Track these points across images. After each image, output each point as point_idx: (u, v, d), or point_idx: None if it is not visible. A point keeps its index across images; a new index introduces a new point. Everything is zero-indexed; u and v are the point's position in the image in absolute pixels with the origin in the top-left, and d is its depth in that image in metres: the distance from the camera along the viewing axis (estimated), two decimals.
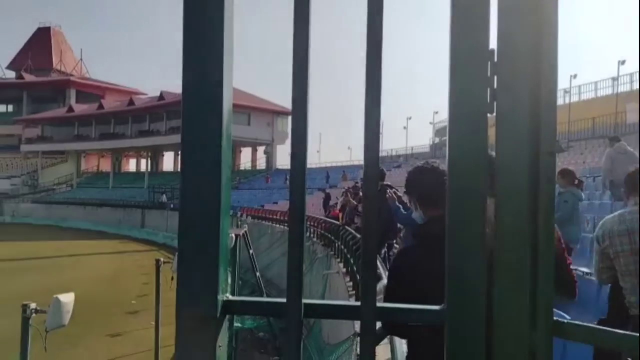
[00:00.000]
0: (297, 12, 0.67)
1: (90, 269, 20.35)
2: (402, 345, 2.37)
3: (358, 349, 4.61)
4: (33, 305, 3.20)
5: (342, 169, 36.39)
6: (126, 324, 11.58)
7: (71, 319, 3.68)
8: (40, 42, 72.31)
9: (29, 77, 65.36)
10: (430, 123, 40.91)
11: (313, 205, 21.86)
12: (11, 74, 69.33)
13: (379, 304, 0.68)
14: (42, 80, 65.57)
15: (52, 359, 8.07)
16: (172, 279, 6.87)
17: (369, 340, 0.69)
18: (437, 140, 38.60)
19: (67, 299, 3.43)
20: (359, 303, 0.68)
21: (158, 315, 6.34)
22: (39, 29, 73.72)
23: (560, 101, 23.56)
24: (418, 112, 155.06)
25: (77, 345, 9.51)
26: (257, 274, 11.29)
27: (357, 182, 13.08)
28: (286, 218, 20.96)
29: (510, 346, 0.66)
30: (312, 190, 27.20)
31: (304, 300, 0.69)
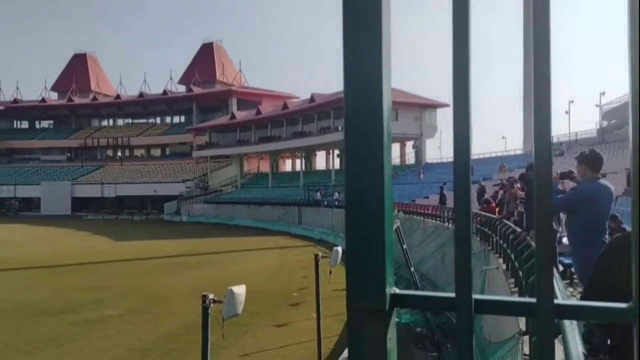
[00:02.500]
0: (456, 3, 0.66)
1: (255, 263, 21.86)
2: (576, 344, 2.19)
3: (525, 348, 4.36)
4: (211, 296, 3.53)
5: (491, 160, 34.65)
6: (289, 315, 12.24)
7: (242, 309, 3.98)
8: (205, 57, 79.45)
9: (196, 90, 72.22)
10: (597, 105, 37.21)
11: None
12: (182, 89, 77.16)
13: (556, 301, 0.64)
14: (207, 91, 72.07)
15: (227, 345, 8.85)
16: (330, 273, 7.12)
17: (548, 340, 0.65)
18: (605, 123, 34.99)
19: (240, 290, 3.72)
20: (532, 299, 0.65)
21: (319, 308, 6.61)
22: (204, 45, 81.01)
23: None
24: (580, 95, 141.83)
25: (247, 333, 10.29)
26: (412, 268, 11.22)
27: (511, 174, 12.35)
28: (438, 212, 20.59)
29: None
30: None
31: (474, 296, 0.67)
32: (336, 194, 37.96)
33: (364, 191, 0.73)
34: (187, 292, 14.86)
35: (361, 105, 0.74)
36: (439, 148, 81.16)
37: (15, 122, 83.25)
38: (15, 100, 79.39)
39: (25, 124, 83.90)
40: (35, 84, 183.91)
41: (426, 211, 22.86)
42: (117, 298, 14.40)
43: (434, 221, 20.63)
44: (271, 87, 73.66)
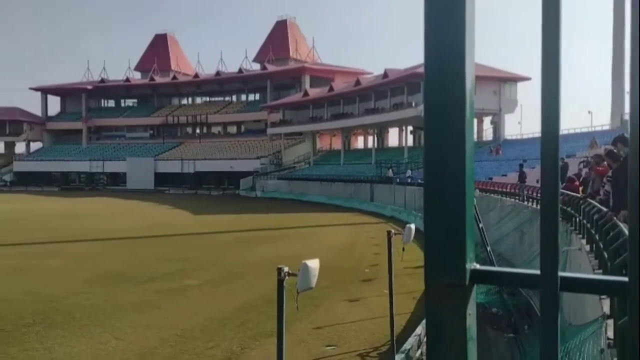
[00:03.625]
0: None
1: (327, 239, 22.13)
2: None
3: (609, 332, 4.17)
4: (286, 269, 3.62)
5: (574, 137, 32.85)
6: (361, 290, 12.35)
7: (316, 283, 4.06)
8: (279, 34, 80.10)
9: (271, 68, 73.13)
10: None
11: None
12: (257, 66, 78.41)
13: None
14: (281, 69, 72.80)
15: (301, 317, 9.08)
16: (403, 250, 7.09)
17: None
18: None
19: (314, 264, 3.79)
20: (624, 278, 0.62)
21: (391, 284, 6.62)
22: (277, 23, 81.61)
23: None
24: None
25: (320, 307, 10.50)
26: (488, 248, 10.96)
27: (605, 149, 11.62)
28: (517, 191, 19.87)
29: None
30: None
31: (560, 273, 0.65)
32: (409, 171, 37.46)
33: (445, 165, 0.72)
34: (261, 265, 15.31)
35: (442, 78, 0.73)
36: (519, 124, 77.41)
37: (102, 101, 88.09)
38: (102, 80, 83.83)
39: (111, 103, 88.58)
40: (120, 64, 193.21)
41: (504, 189, 22.12)
42: (196, 269, 15.09)
43: (513, 200, 19.94)
44: (344, 64, 73.33)
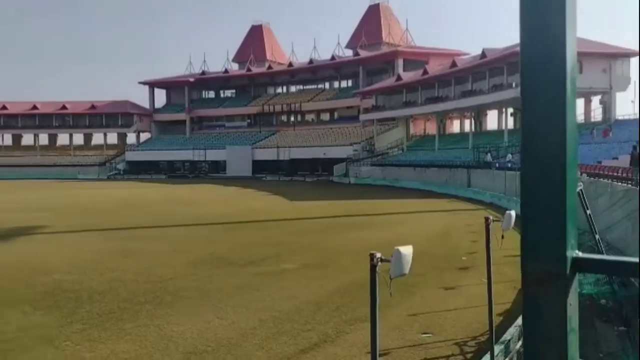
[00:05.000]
0: None
1: (421, 226, 21.82)
2: None
3: None
4: (378, 255, 3.61)
5: None
6: (458, 278, 12.07)
7: (409, 270, 4.02)
8: (372, 19, 79.46)
9: (363, 54, 72.80)
10: None
11: None
12: (349, 53, 78.38)
13: None
14: (373, 54, 72.22)
15: (395, 304, 9.06)
16: (502, 237, 6.83)
17: None
18: None
19: (407, 250, 3.75)
20: None
21: (490, 273, 6.41)
22: (370, 7, 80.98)
23: None
24: None
25: (414, 294, 10.40)
26: (597, 236, 10.26)
27: None
28: (630, 175, 18.37)
29: None
30: None
31: None
32: (509, 155, 35.83)
33: (543, 147, 0.68)
34: (355, 251, 15.42)
35: (540, 56, 0.69)
36: (633, 102, 71.36)
37: (203, 92, 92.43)
38: (203, 73, 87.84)
39: (211, 94, 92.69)
40: (219, 56, 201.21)
41: (615, 174, 20.55)
42: (292, 253, 15.50)
43: (625, 185, 18.49)
44: (439, 45, 71.35)
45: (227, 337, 8.16)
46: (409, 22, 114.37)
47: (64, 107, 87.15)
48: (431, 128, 61.85)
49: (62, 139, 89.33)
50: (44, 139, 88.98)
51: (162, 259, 14.80)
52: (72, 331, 8.48)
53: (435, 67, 57.99)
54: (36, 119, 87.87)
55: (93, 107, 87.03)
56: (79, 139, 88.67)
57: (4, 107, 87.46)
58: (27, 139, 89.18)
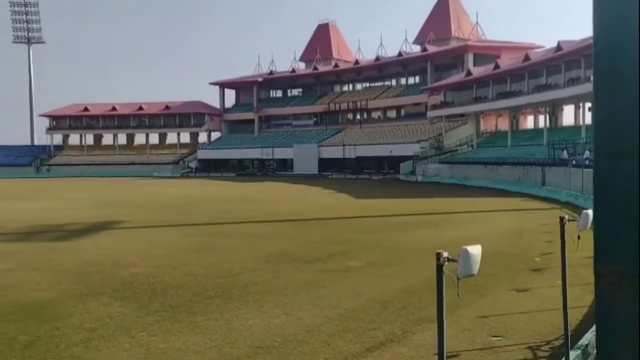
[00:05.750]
0: None
1: (492, 225, 21.18)
2: None
3: None
4: (445, 254, 3.54)
5: None
6: (531, 280, 11.62)
7: (478, 270, 3.92)
8: (440, 13, 77.97)
9: (431, 49, 71.57)
10: None
11: None
12: (417, 49, 77.29)
13: None
14: (442, 49, 70.85)
15: (464, 305, 8.85)
16: (579, 238, 6.50)
17: None
18: None
19: (475, 250, 3.66)
20: None
21: (565, 275, 6.12)
22: (438, 2, 79.49)
23: None
24: None
25: (485, 295, 10.11)
26: None
27: None
28: None
29: None
30: None
31: None
32: (587, 152, 34.10)
33: (617, 143, 0.64)
34: (422, 250, 15.20)
35: (613, 45, 0.65)
36: None
37: (271, 91, 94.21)
38: (271, 73, 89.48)
39: (279, 93, 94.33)
40: (287, 56, 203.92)
41: None
42: (358, 251, 15.49)
43: None
44: (511, 39, 68.96)
45: (294, 333, 8.27)
46: (480, 15, 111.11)
47: (140, 108, 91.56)
48: (503, 124, 59.89)
49: (139, 138, 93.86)
50: (122, 138, 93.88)
51: (232, 255, 15.21)
52: (147, 322, 8.88)
53: (507, 61, 56.10)
54: (115, 119, 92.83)
55: (167, 107, 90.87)
56: (154, 138, 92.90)
57: (86, 109, 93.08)
58: (107, 138, 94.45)
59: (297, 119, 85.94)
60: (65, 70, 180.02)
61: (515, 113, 57.05)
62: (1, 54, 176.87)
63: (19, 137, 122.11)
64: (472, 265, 3.66)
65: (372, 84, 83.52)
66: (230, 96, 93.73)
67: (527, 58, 50.94)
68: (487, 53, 63.86)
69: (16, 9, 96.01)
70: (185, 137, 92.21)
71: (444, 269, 3.58)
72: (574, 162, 33.63)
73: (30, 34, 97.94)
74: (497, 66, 54.86)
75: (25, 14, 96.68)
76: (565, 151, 37.73)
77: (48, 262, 14.48)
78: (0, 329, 8.59)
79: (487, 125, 63.83)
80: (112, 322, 8.90)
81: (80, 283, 11.87)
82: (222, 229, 21.79)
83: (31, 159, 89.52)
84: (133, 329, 8.53)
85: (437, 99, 65.78)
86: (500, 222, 22.25)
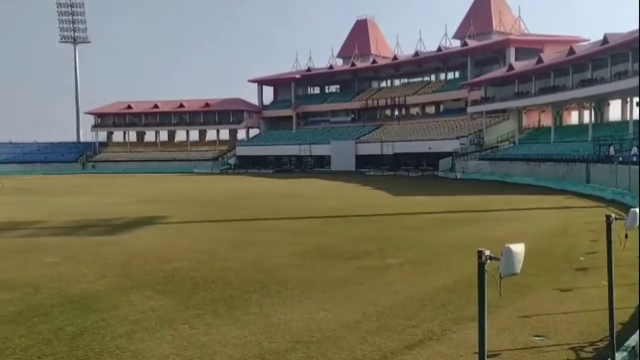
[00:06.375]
0: None
1: (534, 223, 20.70)
2: None
3: None
4: (487, 252, 3.49)
5: None
6: (575, 280, 11.31)
7: (521, 269, 3.84)
8: (482, 7, 76.45)
9: (471, 43, 70.31)
10: None
11: None
12: (457, 43, 76.09)
13: None
14: (483, 44, 69.54)
15: (505, 304, 8.69)
16: (626, 237, 6.29)
17: None
18: None
19: (518, 249, 3.59)
20: None
21: (611, 274, 5.93)
22: None
23: None
24: None
25: (527, 295, 9.90)
26: None
27: None
28: None
29: None
30: None
31: None
32: (634, 148, 32.90)
33: None
34: (462, 248, 14.99)
35: None
36: None
37: (309, 88, 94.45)
38: (309, 69, 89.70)
39: (316, 90, 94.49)
40: (324, 52, 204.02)
41: None
42: (396, 248, 15.40)
43: None
44: (555, 32, 67.01)
45: (332, 329, 8.29)
46: (522, 9, 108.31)
47: (181, 106, 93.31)
48: (546, 120, 58.38)
49: (180, 135, 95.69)
50: (163, 135, 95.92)
51: (271, 250, 15.36)
52: (188, 315, 9.07)
53: (550, 55, 54.61)
54: (157, 117, 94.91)
55: (207, 105, 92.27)
56: (194, 135, 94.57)
57: (129, 107, 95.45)
58: (149, 135, 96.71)
59: (334, 116, 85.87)
60: (109, 67, 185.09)
61: (559, 108, 55.47)
62: (48, 53, 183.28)
63: (66, 134, 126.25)
64: (515, 264, 3.59)
65: (411, 80, 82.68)
66: (268, 93, 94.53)
67: (571, 52, 49.43)
68: (530, 47, 62.30)
69: (62, 9, 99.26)
70: (225, 134, 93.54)
71: (485, 267, 3.53)
72: (620, 158, 32.52)
73: (76, 33, 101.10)
74: (540, 60, 53.42)
75: (72, 14, 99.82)
76: (611, 147, 36.50)
77: (94, 256, 14.95)
78: (50, 320, 8.93)
79: (530, 121, 62.32)
80: (155, 315, 9.12)
81: (124, 276, 12.21)
82: (261, 224, 22.03)
83: (77, 156, 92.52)
84: (175, 321, 8.72)
85: (478, 94, 64.57)
86: (543, 220, 21.73)
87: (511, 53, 63.46)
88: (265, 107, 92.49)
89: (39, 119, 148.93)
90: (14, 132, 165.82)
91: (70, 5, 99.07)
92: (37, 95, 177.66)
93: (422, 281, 11.39)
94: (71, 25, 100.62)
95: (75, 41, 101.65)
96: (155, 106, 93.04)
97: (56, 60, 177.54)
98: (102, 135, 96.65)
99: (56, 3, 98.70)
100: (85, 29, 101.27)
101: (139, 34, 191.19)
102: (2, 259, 14.69)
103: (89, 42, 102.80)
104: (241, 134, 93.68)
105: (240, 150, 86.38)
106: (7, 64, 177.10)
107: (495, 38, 70.46)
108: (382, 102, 79.04)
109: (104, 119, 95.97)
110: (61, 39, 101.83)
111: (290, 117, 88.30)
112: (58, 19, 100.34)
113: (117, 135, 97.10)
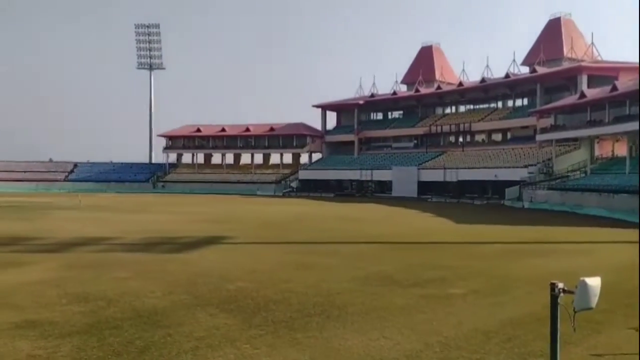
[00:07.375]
0: None
1: (606, 256, 19.68)
2: None
3: None
4: (561, 285, 3.41)
5: None
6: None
7: (596, 303, 3.71)
8: (551, 34, 74.51)
9: (541, 70, 68.46)
10: None
11: None
12: (525, 70, 74.32)
13: None
14: (553, 70, 67.55)
15: (576, 341, 8.30)
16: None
17: None
18: None
19: (594, 282, 3.48)
20: None
21: None
22: (549, 22, 76.10)
23: None
24: None
25: (600, 332, 9.41)
26: None
27: None
28: None
29: None
30: None
31: None
32: None
33: None
34: (530, 280, 14.45)
35: None
36: None
37: (372, 114, 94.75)
38: (372, 95, 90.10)
39: (379, 115, 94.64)
40: (387, 79, 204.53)
41: None
42: (459, 278, 15.04)
43: None
44: (631, 59, 64.19)
45: (393, 357, 8.19)
46: (596, 37, 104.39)
47: (247, 130, 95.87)
48: (620, 150, 55.60)
49: (245, 158, 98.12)
50: (229, 158, 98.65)
51: (331, 274, 15.39)
52: (251, 335, 9.23)
53: (626, 83, 52.27)
54: (224, 140, 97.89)
55: (272, 129, 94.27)
56: (258, 158, 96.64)
57: (198, 130, 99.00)
58: (216, 158, 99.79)
59: (397, 141, 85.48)
60: (180, 92, 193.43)
61: (635, 138, 52.76)
62: (125, 79, 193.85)
63: (139, 155, 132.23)
64: (591, 298, 3.48)
65: (477, 106, 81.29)
66: (332, 118, 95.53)
67: None
68: (603, 74, 59.89)
69: (140, 37, 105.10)
70: (288, 158, 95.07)
71: (559, 300, 3.44)
72: None
73: (152, 60, 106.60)
74: (614, 88, 51.24)
75: (149, 42, 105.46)
76: None
77: (162, 272, 15.53)
78: (120, 333, 9.33)
79: (603, 150, 59.58)
80: (218, 333, 9.34)
81: (190, 293, 12.60)
82: (322, 247, 22.13)
83: (149, 176, 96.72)
84: (238, 340, 8.90)
85: (547, 122, 62.54)
86: (616, 254, 20.60)
87: (583, 80, 61.23)
88: (328, 132, 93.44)
89: (115, 140, 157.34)
90: (92, 152, 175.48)
91: (148, 34, 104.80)
92: (114, 118, 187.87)
93: (487, 313, 11.06)
94: (148, 53, 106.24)
95: (151, 67, 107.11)
96: (223, 130, 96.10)
97: (133, 85, 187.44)
98: (173, 157, 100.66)
99: (135, 31, 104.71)
100: (161, 55, 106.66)
101: (209, 60, 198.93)
102: (78, 273, 15.52)
103: (164, 68, 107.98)
104: (304, 158, 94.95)
105: (303, 174, 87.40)
106: (87, 88, 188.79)
107: (566, 65, 68.31)
108: (446, 128, 78.00)
109: (174, 142, 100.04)
110: (138, 65, 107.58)
111: (353, 142, 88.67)
112: (136, 47, 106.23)
113: (186, 157, 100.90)
